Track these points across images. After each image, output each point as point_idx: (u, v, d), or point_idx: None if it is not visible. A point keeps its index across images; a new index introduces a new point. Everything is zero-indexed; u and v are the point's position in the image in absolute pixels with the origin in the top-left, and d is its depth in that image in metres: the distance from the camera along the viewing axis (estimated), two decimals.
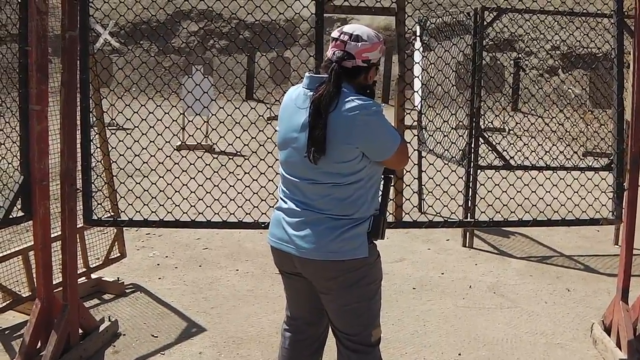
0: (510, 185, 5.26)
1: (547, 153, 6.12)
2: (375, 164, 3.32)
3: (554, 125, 6.92)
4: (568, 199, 4.84)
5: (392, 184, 3.71)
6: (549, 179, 5.41)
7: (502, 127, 16.97)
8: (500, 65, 19.72)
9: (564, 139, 7.39)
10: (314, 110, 3.19)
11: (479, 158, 7.14)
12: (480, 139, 7.18)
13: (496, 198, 5.27)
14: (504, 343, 5.14)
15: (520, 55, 25.46)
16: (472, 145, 7.09)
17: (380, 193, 3.44)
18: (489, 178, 5.71)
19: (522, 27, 6.96)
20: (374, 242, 3.38)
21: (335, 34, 3.33)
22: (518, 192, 5.14)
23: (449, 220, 4.98)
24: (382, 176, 3.46)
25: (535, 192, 5.25)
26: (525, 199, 5.16)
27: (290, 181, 3.39)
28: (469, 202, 6.99)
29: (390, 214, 4.64)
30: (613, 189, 4.75)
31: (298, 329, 3.66)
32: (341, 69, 3.24)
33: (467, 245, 7.48)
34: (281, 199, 3.46)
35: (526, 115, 8.96)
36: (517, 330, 5.36)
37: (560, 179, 5.43)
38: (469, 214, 6.92)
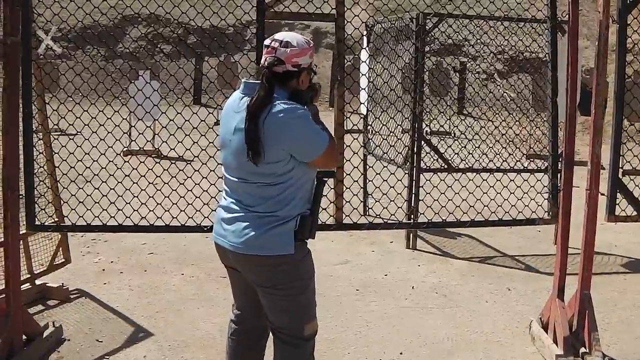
0: (449, 187, 5.40)
1: (485, 155, 6.27)
2: (303, 165, 3.47)
3: (499, 129, 7.12)
4: (505, 199, 5.00)
5: (332, 186, 3.80)
6: (486, 180, 5.58)
7: (449, 130, 17.35)
8: (447, 70, 20.04)
9: (508, 141, 7.56)
10: (248, 115, 3.35)
11: (422, 161, 7.28)
12: (423, 142, 7.32)
13: (434, 200, 5.41)
14: (445, 342, 5.25)
15: (467, 60, 25.83)
16: (415, 148, 7.22)
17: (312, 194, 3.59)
18: (427, 180, 5.84)
19: (471, 32, 7.12)
20: (304, 240, 3.52)
21: (267, 41, 3.48)
22: (456, 193, 5.28)
23: (388, 222, 5.08)
24: (316, 178, 3.60)
25: (472, 193, 5.41)
26: (463, 200, 5.32)
27: (227, 180, 3.58)
28: (411, 204, 7.10)
29: (331, 216, 4.74)
30: (548, 190, 4.90)
31: (242, 320, 3.81)
32: (272, 74, 3.40)
33: (410, 247, 7.60)
34: (223, 197, 3.65)
35: (475, 119, 9.14)
36: (458, 329, 5.48)
37: (497, 180, 5.60)
38: (411, 216, 7.04)
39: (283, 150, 3.37)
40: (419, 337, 5.30)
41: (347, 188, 4.87)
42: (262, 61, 3.48)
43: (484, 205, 5.34)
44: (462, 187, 5.66)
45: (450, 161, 7.45)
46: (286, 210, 3.45)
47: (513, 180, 5.55)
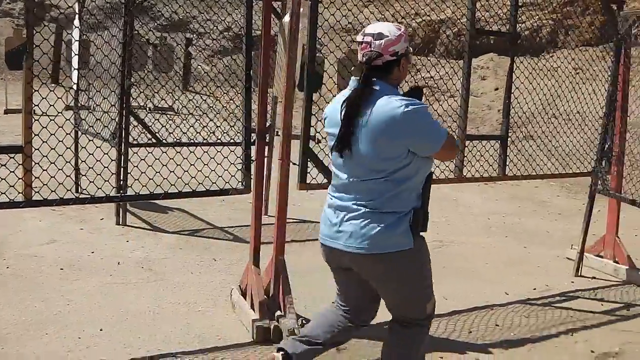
0: (156, 159, 5.37)
1: (192, 128, 6.29)
2: (422, 160, 3.47)
3: (216, 104, 7.18)
4: (198, 171, 5.04)
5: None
6: (193, 152, 5.60)
7: (170, 106, 17.27)
8: (171, 46, 19.91)
9: (227, 115, 7.62)
10: (345, 111, 3.41)
11: (130, 136, 7.16)
12: (133, 117, 7.21)
13: (142, 172, 5.35)
14: (147, 315, 5.21)
15: (193, 36, 25.83)
16: (123, 124, 7.08)
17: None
18: (135, 154, 5.74)
19: (196, 7, 7.06)
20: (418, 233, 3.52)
21: (359, 37, 3.47)
22: (164, 165, 5.26)
23: (95, 197, 4.92)
24: None
25: (180, 165, 5.41)
26: (171, 172, 5.28)
27: (338, 179, 3.59)
28: (119, 178, 6.97)
29: (19, 193, 4.50)
30: (242, 161, 5.02)
31: (346, 313, 3.85)
32: (373, 68, 3.40)
33: (120, 223, 7.48)
34: (329, 196, 3.66)
35: (200, 94, 9.14)
36: (161, 302, 5.47)
37: (204, 152, 5.63)
38: (119, 191, 6.91)
39: (403, 146, 3.36)
40: (120, 313, 5.22)
41: (52, 163, 4.63)
42: (359, 57, 3.45)
43: (192, 177, 5.35)
44: (170, 159, 5.62)
45: (159, 135, 7.41)
46: (402, 205, 3.44)
47: (220, 152, 5.61)
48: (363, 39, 3.47)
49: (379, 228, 3.42)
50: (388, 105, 3.35)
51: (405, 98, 3.40)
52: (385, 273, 3.55)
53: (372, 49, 3.43)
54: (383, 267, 3.52)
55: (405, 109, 3.33)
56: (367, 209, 3.45)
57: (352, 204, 3.50)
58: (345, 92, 3.57)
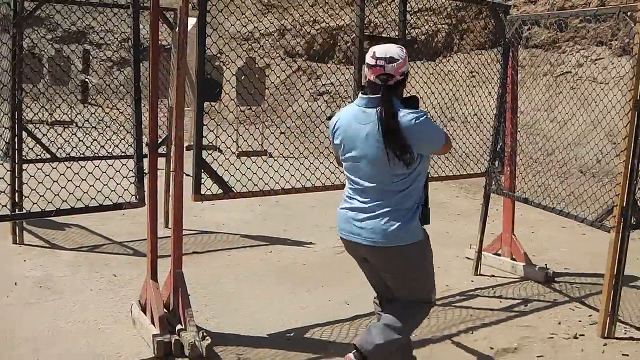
0: (46, 175, 5.22)
1: (82, 142, 6.16)
2: (425, 161, 4.05)
3: (116, 116, 7.05)
4: (90, 186, 4.94)
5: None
6: (84, 167, 5.48)
7: (72, 120, 16.90)
8: (70, 57, 19.46)
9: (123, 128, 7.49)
10: (386, 126, 3.83)
11: (22, 152, 6.96)
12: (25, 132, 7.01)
13: (32, 189, 5.18)
14: (45, 335, 5.08)
15: (92, 47, 25.32)
16: (15, 140, 6.88)
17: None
18: (24, 170, 5.58)
19: (95, 19, 6.92)
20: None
21: (371, 61, 3.94)
22: (54, 182, 5.12)
23: None
24: None
25: (71, 181, 5.27)
26: (62, 188, 5.14)
27: (357, 184, 4.06)
28: (14, 196, 6.77)
29: None
30: (135, 174, 4.95)
31: (384, 298, 4.38)
32: (388, 87, 3.90)
33: (17, 242, 7.27)
34: (346, 197, 4.16)
35: (101, 107, 8.92)
36: (60, 322, 5.34)
37: (96, 167, 5.52)
38: (16, 208, 6.71)
39: (415, 150, 3.88)
40: (18, 335, 5.06)
41: None
42: (372, 78, 3.95)
43: (84, 192, 5.23)
44: (60, 174, 5.48)
45: (61, 150, 7.22)
46: (412, 202, 4.00)
47: (112, 166, 5.52)
48: (376, 62, 3.94)
49: (397, 224, 3.95)
50: (403, 118, 3.87)
51: (413, 110, 3.92)
52: (403, 262, 4.07)
53: (386, 72, 3.92)
54: (401, 257, 4.04)
55: (417, 121, 3.87)
56: (386, 208, 3.97)
57: (373, 205, 4.00)
58: (355, 108, 4.06)
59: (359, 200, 4.06)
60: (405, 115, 3.87)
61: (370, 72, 3.99)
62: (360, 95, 4.09)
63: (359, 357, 4.11)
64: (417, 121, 3.87)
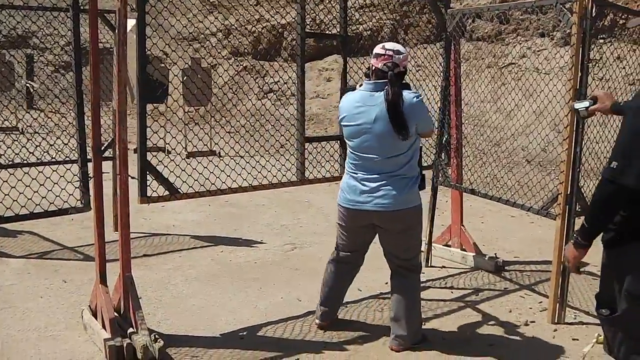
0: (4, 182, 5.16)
1: (25, 148, 6.08)
2: (418, 138, 4.78)
3: (63, 121, 6.95)
4: (35, 192, 4.88)
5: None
6: (28, 174, 5.42)
7: (15, 125, 16.65)
8: (11, 62, 19.11)
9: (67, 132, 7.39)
10: (392, 105, 4.52)
11: None
12: None
13: None
14: None
15: (34, 52, 24.91)
16: None
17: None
18: None
19: (36, 24, 6.81)
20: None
21: (380, 50, 4.69)
22: (13, 187, 5.06)
23: None
24: None
25: (15, 187, 5.21)
26: (5, 195, 5.09)
27: (365, 159, 4.72)
28: None
29: None
30: (79, 178, 4.90)
31: (349, 261, 5.21)
32: (395, 74, 4.60)
33: None
34: (352, 172, 4.81)
35: (43, 112, 8.81)
36: (9, 330, 5.25)
37: (39, 172, 5.46)
38: None
39: (415, 126, 4.62)
40: None
41: None
42: (380, 66, 4.64)
43: (28, 199, 5.18)
44: (3, 181, 5.42)
45: (4, 156, 7.11)
46: (414, 172, 4.75)
47: (56, 171, 5.46)
48: (385, 52, 4.66)
49: (404, 190, 4.69)
50: (407, 96, 4.59)
51: (413, 91, 4.67)
52: (406, 223, 4.81)
53: (393, 60, 4.63)
54: (405, 219, 4.78)
55: (417, 99, 4.63)
56: (395, 178, 4.68)
57: (382, 175, 4.68)
58: (361, 93, 4.73)
59: (366, 173, 4.74)
60: (408, 94, 4.60)
61: (377, 61, 4.67)
62: (365, 81, 4.77)
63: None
64: (417, 99, 4.62)
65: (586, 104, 4.15)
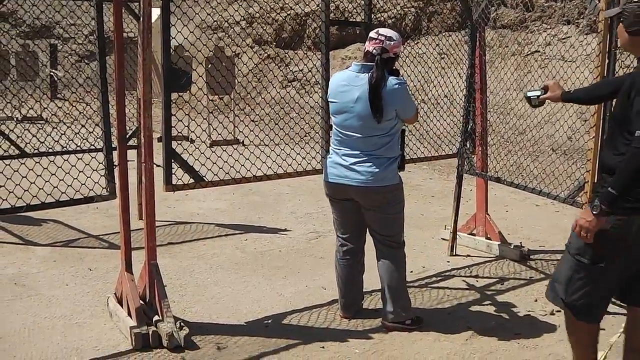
0: (15, 171, 5.16)
1: (50, 137, 6.09)
2: (400, 121, 4.91)
3: (87, 109, 6.97)
4: (60, 180, 4.89)
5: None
6: (53, 162, 5.42)
7: (39, 115, 16.76)
8: (35, 52, 19.22)
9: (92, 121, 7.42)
10: (372, 88, 4.68)
11: None
12: None
13: (1, 186, 5.11)
14: (21, 332, 5.03)
15: (58, 42, 25.04)
16: None
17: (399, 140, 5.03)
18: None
19: (58, 12, 6.83)
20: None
21: (373, 35, 4.83)
22: (24, 177, 5.06)
23: None
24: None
25: (40, 176, 5.20)
26: (32, 183, 5.08)
27: (347, 136, 4.90)
28: None
29: None
30: (105, 166, 4.91)
31: (347, 241, 5.25)
32: (383, 59, 4.74)
33: None
34: (336, 149, 5.00)
35: (68, 101, 8.83)
36: (35, 318, 5.30)
37: (65, 161, 5.46)
38: None
39: (395, 110, 4.78)
40: None
41: None
42: (370, 49, 4.80)
43: (54, 187, 5.17)
44: (29, 170, 5.42)
45: (30, 145, 7.14)
46: (393, 152, 4.88)
47: (81, 159, 5.46)
48: (377, 37, 4.79)
49: (381, 168, 4.81)
50: (389, 82, 4.71)
51: (397, 78, 4.77)
52: (383, 200, 4.91)
53: (383, 46, 4.76)
54: (382, 196, 4.89)
55: (399, 86, 4.74)
56: (372, 156, 4.82)
57: (361, 153, 4.84)
58: (348, 73, 4.89)
59: (347, 150, 4.90)
60: (390, 80, 4.72)
61: (369, 44, 4.83)
62: (354, 62, 4.95)
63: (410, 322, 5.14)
64: (399, 86, 4.74)
65: (538, 92, 4.62)
